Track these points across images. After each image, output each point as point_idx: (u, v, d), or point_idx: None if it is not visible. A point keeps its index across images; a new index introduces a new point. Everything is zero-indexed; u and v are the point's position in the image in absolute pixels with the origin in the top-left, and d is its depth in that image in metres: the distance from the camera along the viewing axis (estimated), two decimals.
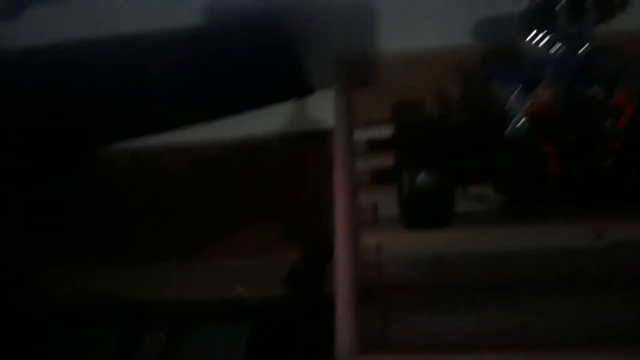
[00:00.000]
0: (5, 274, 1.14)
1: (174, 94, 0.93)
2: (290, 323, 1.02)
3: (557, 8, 0.55)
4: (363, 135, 0.84)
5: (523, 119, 0.57)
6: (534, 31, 0.57)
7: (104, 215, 1.10)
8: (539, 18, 0.56)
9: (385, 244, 0.65)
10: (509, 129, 0.58)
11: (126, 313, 1.09)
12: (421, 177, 0.59)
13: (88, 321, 1.07)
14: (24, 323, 1.05)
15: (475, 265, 0.64)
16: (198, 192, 1.06)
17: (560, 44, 0.55)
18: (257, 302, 1.10)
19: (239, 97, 0.86)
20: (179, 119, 0.95)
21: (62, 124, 0.94)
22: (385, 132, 0.85)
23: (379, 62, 0.87)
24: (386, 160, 0.77)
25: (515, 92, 0.59)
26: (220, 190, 1.07)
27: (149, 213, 1.10)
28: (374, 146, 0.84)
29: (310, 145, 1.00)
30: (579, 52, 0.55)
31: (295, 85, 0.82)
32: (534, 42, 0.57)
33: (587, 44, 0.55)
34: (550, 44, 0.56)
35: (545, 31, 0.56)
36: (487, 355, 0.43)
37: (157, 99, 0.94)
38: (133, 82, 0.91)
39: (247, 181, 1.06)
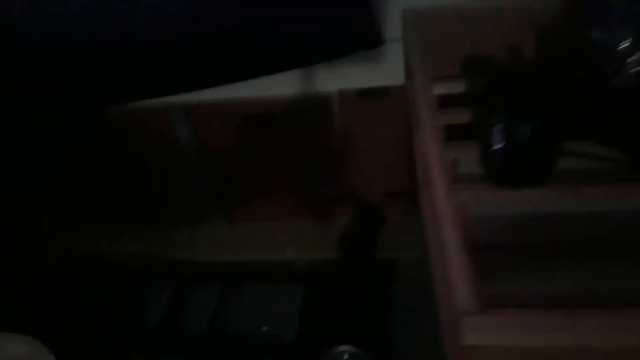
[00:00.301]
0: (56, 238, 1.14)
1: (227, 43, 0.89)
2: (343, 286, 0.99)
3: None
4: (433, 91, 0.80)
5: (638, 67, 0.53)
6: None
7: (153, 172, 1.08)
8: None
9: (471, 203, 0.62)
10: (618, 78, 0.54)
11: (176, 273, 1.08)
12: (521, 131, 0.55)
13: (140, 281, 1.07)
14: (79, 284, 1.04)
15: (567, 225, 0.60)
16: (251, 150, 1.03)
17: None
18: (308, 264, 1.08)
19: (302, 48, 0.82)
20: (234, 72, 0.91)
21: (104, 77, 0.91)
22: (455, 87, 0.80)
23: (448, 15, 0.82)
24: (459, 117, 0.73)
25: (629, 37, 0.54)
26: (273, 148, 1.04)
27: (199, 171, 1.08)
28: (445, 102, 0.80)
29: (368, 102, 0.96)
30: None
31: (363, 34, 0.77)
32: None
33: None
34: None
35: None
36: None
37: (210, 50, 0.91)
38: (181, 30, 0.88)
39: (301, 140, 1.02)
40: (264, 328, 0.97)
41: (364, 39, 0.78)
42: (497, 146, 0.58)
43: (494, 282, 0.54)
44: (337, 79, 0.95)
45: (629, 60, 0.53)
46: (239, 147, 1.03)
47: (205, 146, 1.03)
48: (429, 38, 0.81)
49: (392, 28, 0.84)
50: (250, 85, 0.96)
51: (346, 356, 0.83)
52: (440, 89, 0.82)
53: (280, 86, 0.96)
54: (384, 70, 0.94)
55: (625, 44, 0.54)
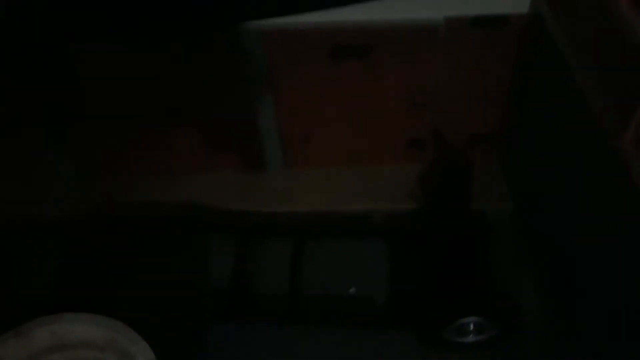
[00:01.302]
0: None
1: None
2: (433, 242, 0.89)
3: None
4: None
5: None
6: None
7: (215, 101, 0.91)
8: None
9: None
10: None
11: (239, 225, 0.95)
12: None
13: (199, 235, 0.93)
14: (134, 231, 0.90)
15: None
16: (336, 82, 0.87)
17: None
18: (387, 216, 0.97)
19: None
20: None
21: None
22: None
23: None
24: None
25: None
26: (355, 82, 0.88)
27: (265, 102, 0.91)
28: None
29: (481, 33, 0.82)
30: None
31: None
32: None
33: None
34: None
35: None
36: None
37: None
38: None
39: (391, 76, 0.88)
40: (353, 290, 0.87)
41: None
42: None
43: None
44: (446, 3, 0.80)
45: None
46: (318, 80, 0.88)
47: (278, 75, 0.87)
48: None
49: None
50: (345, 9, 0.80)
51: (471, 327, 0.75)
52: None
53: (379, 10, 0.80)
54: None
55: None
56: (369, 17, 0.80)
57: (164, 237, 0.92)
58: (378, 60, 0.85)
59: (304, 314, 0.84)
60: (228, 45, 0.83)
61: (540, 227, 0.88)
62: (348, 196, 0.99)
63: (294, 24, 0.80)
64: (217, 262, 0.90)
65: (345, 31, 0.82)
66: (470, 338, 0.76)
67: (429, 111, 0.93)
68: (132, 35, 0.81)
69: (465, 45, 0.83)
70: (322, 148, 0.99)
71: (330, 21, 0.80)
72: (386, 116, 0.94)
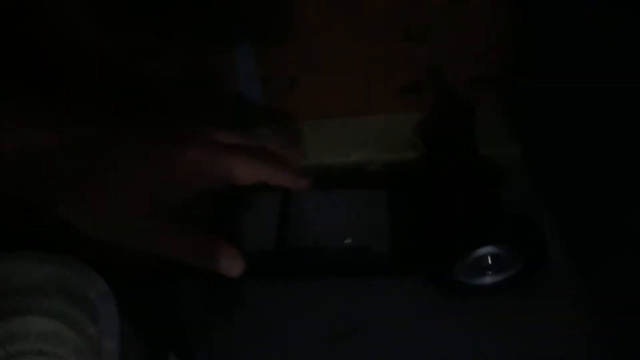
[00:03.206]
0: None
1: None
2: (437, 189, 0.80)
3: None
4: None
5: None
6: None
7: None
8: None
9: None
10: None
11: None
12: None
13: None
14: None
15: None
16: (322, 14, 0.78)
17: None
18: (386, 166, 0.87)
19: None
20: None
21: None
22: None
23: None
24: None
25: None
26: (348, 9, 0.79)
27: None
28: None
29: None
30: None
31: None
32: None
33: None
34: None
35: None
36: None
37: None
38: None
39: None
40: (349, 240, 0.77)
41: None
42: None
43: None
44: None
45: None
46: (301, 11, 0.79)
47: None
48: None
49: None
50: None
51: (489, 260, 0.64)
52: None
53: None
54: None
55: None
56: None
57: None
58: None
59: (295, 266, 0.74)
60: None
61: (551, 169, 0.80)
62: (340, 148, 0.90)
63: None
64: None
65: None
66: (489, 279, 0.66)
67: (425, 47, 0.84)
68: None
69: None
70: (309, 96, 0.90)
71: None
72: (378, 52, 0.85)
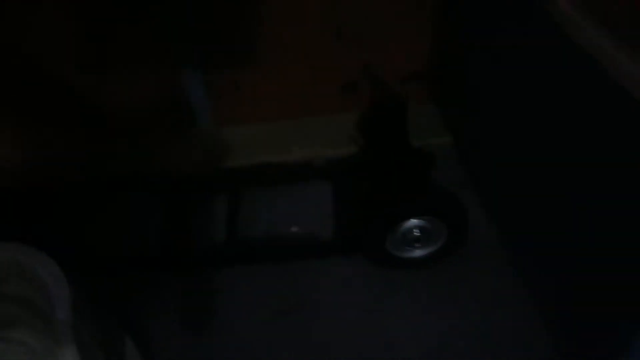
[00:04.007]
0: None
1: None
2: (375, 178, 0.86)
3: None
4: None
5: None
6: None
7: None
8: None
9: None
10: None
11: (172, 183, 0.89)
12: None
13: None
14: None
15: None
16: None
17: None
18: (326, 161, 0.93)
19: None
20: None
21: None
22: None
23: None
24: None
25: None
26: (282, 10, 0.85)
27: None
28: None
29: None
30: None
31: None
32: None
33: None
34: None
35: None
36: None
37: None
38: None
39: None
40: (295, 228, 0.82)
41: None
42: None
43: None
44: None
45: None
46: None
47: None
48: None
49: None
50: None
51: (417, 233, 0.71)
52: None
53: None
54: None
55: None
56: None
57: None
58: None
59: (243, 255, 0.79)
60: None
61: (481, 155, 0.87)
62: (286, 148, 0.96)
63: None
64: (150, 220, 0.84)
65: None
66: (418, 252, 0.73)
67: (357, 47, 0.91)
68: None
69: None
70: (252, 99, 0.95)
71: None
72: (314, 55, 0.91)
